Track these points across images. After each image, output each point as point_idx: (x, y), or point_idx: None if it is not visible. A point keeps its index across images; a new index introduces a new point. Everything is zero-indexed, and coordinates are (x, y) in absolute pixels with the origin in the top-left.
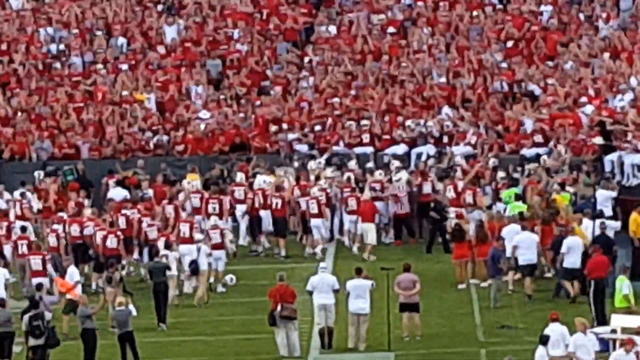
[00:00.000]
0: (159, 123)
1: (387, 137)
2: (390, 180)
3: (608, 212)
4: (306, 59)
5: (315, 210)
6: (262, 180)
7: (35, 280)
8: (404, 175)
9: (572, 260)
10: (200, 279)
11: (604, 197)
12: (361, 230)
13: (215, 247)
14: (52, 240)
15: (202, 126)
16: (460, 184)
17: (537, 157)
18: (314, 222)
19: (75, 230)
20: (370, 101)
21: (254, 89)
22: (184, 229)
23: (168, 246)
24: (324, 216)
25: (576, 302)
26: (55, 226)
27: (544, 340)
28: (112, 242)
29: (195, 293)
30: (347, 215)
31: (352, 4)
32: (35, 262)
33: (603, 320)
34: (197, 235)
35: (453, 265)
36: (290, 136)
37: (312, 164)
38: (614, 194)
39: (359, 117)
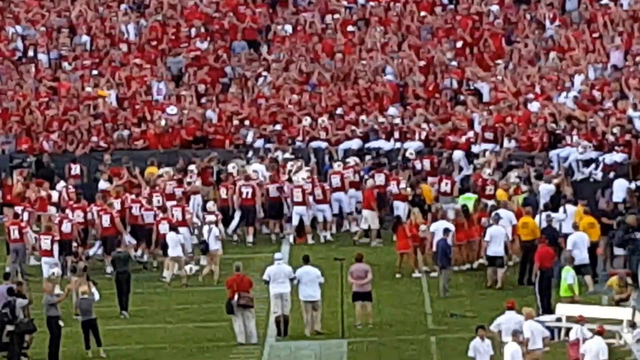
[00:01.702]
0: (128, 119)
1: (341, 132)
2: (290, 180)
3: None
4: (263, 57)
5: (299, 199)
6: (253, 170)
7: (45, 260)
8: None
9: (494, 249)
10: (209, 259)
11: (547, 191)
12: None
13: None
14: (65, 227)
15: (163, 122)
16: (403, 181)
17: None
18: (297, 209)
19: (78, 215)
20: (324, 98)
21: (215, 85)
22: (177, 213)
23: (173, 228)
24: (308, 204)
25: (504, 290)
26: (65, 211)
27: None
28: (66, 227)
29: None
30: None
31: (307, 4)
32: (45, 242)
33: (549, 309)
34: (210, 217)
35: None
36: (249, 131)
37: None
38: (554, 188)
39: (314, 113)
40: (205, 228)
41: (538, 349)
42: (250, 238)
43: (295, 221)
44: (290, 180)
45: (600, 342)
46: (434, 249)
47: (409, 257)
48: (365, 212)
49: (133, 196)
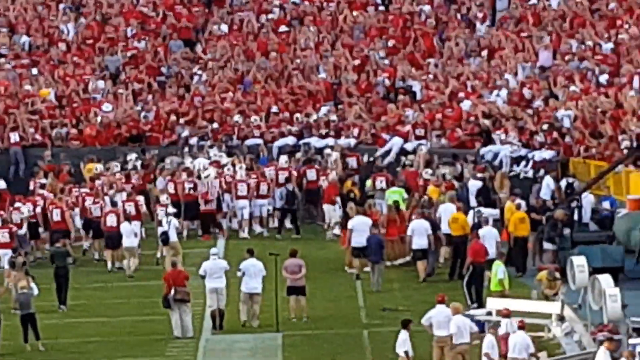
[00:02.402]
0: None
1: (275, 130)
2: (199, 177)
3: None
4: (199, 56)
5: (244, 193)
6: (202, 165)
7: (1, 252)
8: (212, 172)
9: (418, 242)
10: (170, 250)
11: (476, 187)
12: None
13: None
14: (15, 217)
15: (99, 119)
16: (333, 174)
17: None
18: (241, 203)
19: (29, 210)
20: (259, 96)
21: (152, 83)
22: (129, 207)
23: (128, 219)
24: (250, 199)
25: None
26: (17, 204)
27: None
28: None
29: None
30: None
31: (243, 4)
32: (3, 235)
33: (481, 303)
34: (171, 209)
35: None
36: (185, 129)
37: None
38: (481, 183)
39: (249, 111)
40: (165, 220)
41: (465, 343)
42: (185, 232)
43: (239, 215)
44: (199, 177)
45: (525, 336)
46: (354, 244)
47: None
48: (325, 206)
49: (87, 189)
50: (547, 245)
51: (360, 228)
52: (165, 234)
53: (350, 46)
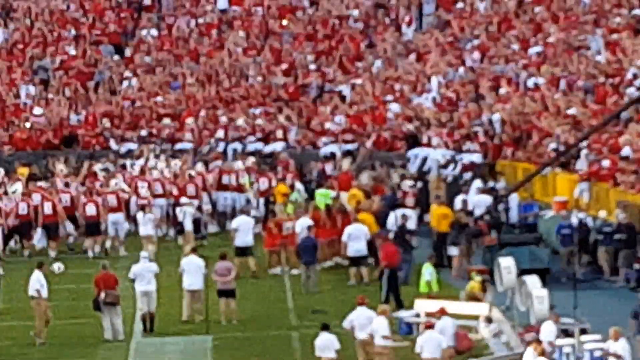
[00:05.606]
0: None
1: (206, 133)
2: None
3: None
4: (129, 61)
5: (159, 192)
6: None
7: None
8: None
9: (355, 248)
10: (185, 239)
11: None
12: None
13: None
14: None
15: (28, 124)
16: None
17: (348, 153)
18: (158, 201)
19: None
20: (190, 100)
21: (83, 88)
22: (112, 200)
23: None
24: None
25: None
26: None
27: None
28: None
29: None
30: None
31: (173, 9)
32: None
33: (401, 305)
34: (183, 199)
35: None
36: (116, 133)
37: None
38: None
39: (178, 115)
40: (178, 209)
41: (378, 345)
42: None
43: (157, 214)
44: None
45: (437, 335)
46: (237, 244)
47: (273, 255)
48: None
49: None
50: (451, 251)
51: (245, 228)
52: (180, 224)
53: (278, 50)
